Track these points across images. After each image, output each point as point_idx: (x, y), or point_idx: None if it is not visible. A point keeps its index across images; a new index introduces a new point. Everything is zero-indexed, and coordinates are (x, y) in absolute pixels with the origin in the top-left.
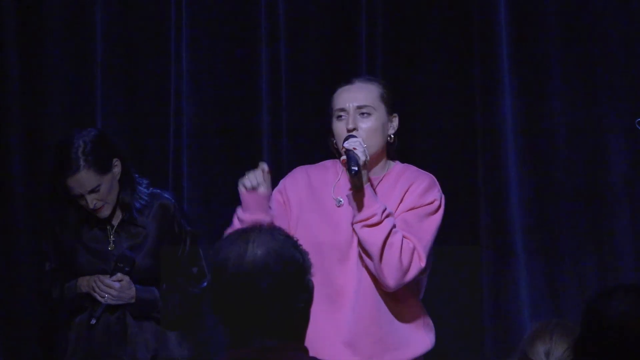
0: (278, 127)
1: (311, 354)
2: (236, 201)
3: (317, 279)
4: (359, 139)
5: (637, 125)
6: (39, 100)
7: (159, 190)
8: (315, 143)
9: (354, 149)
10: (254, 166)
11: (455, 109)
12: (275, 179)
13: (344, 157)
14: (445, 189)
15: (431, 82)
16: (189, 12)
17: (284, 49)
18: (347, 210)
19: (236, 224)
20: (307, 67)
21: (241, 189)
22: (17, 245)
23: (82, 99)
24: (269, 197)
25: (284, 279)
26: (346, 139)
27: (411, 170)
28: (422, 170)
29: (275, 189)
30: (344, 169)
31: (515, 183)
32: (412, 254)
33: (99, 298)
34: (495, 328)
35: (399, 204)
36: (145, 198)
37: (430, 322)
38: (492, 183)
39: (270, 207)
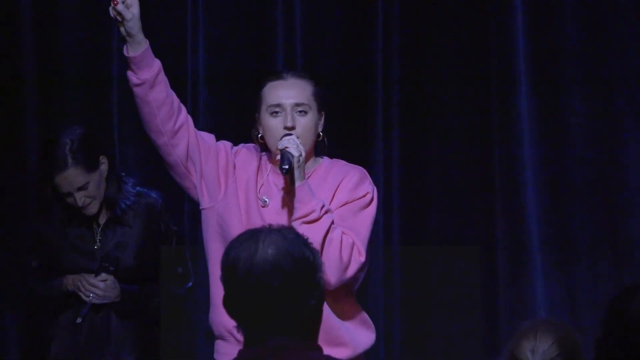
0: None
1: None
2: None
3: None
4: (292, 137)
5: None
6: (55, 97)
7: (145, 190)
8: (330, 138)
9: (286, 147)
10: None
11: (471, 108)
12: None
13: (278, 157)
14: (461, 189)
15: (446, 81)
16: (205, 12)
17: (300, 51)
18: (271, 211)
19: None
20: (323, 68)
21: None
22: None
23: (99, 97)
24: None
25: (296, 277)
26: (282, 137)
27: (340, 164)
28: (351, 164)
29: (228, 144)
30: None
31: (532, 183)
32: (352, 249)
33: (84, 297)
34: (511, 330)
35: (331, 200)
36: (132, 197)
37: (368, 319)
38: (508, 183)
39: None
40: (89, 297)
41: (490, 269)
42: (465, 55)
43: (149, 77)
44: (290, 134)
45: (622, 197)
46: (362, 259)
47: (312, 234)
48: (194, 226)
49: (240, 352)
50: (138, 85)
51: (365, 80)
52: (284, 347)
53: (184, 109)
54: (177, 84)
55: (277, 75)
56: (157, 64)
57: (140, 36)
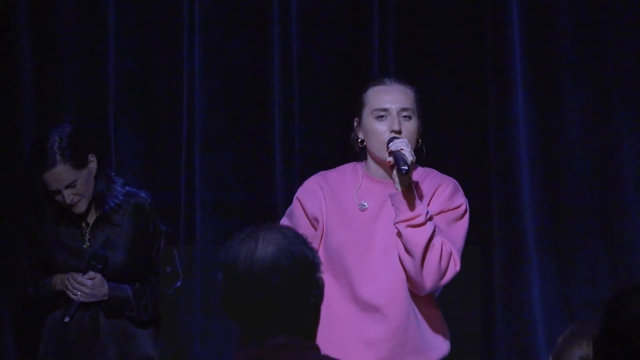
0: (290, 127)
1: (331, 350)
2: (248, 201)
3: (339, 281)
4: (404, 140)
5: None
6: (51, 101)
7: (134, 189)
8: (327, 143)
9: (401, 149)
10: (266, 166)
11: (468, 107)
12: (287, 179)
13: (390, 159)
14: None
15: (443, 83)
16: (201, 12)
17: (297, 49)
18: (371, 214)
19: None
20: (319, 67)
21: None
22: None
23: (95, 99)
24: None
25: (295, 275)
26: (389, 140)
27: (434, 174)
28: (443, 175)
29: (295, 201)
30: (394, 170)
31: (528, 184)
32: (450, 258)
33: (71, 296)
34: (507, 331)
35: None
36: (121, 197)
37: (447, 328)
38: (504, 184)
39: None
40: (76, 295)
41: (487, 269)
42: (461, 56)
43: None
44: (398, 137)
45: (618, 197)
46: (458, 268)
47: (416, 237)
48: (190, 227)
49: (238, 351)
50: None
51: (361, 80)
52: (283, 347)
53: None
54: (173, 83)
55: (379, 81)
56: None
57: None
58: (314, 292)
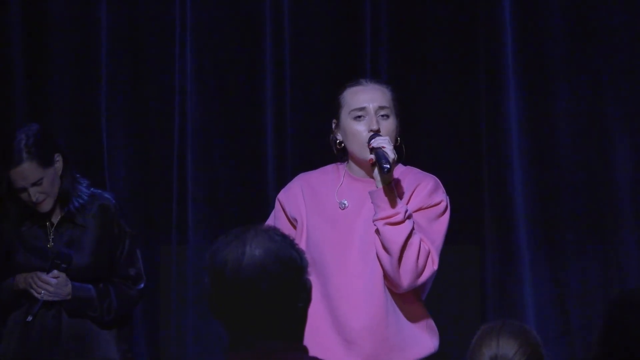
0: (282, 127)
1: (311, 352)
2: (240, 200)
3: (318, 279)
4: (386, 138)
5: None
6: (43, 100)
7: (99, 191)
8: (319, 143)
9: (383, 147)
10: (258, 166)
11: (460, 108)
12: (279, 179)
13: (371, 157)
14: (449, 189)
15: (436, 81)
16: (193, 10)
17: (289, 49)
18: (352, 212)
19: None
20: (312, 67)
21: None
22: None
23: (87, 98)
24: None
25: (283, 279)
26: (371, 138)
27: (414, 172)
28: (424, 172)
29: (276, 202)
30: (375, 168)
31: (520, 183)
32: (427, 256)
33: (35, 294)
34: None
35: (406, 205)
36: (85, 197)
37: (434, 325)
38: (496, 183)
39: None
40: (40, 294)
41: (480, 269)
42: (453, 55)
43: None
44: (379, 135)
45: (611, 196)
46: (435, 267)
47: (394, 235)
48: (182, 227)
49: (227, 356)
50: None
51: (353, 78)
52: (272, 351)
53: None
54: (166, 82)
55: (355, 82)
56: None
57: None
58: (302, 296)
